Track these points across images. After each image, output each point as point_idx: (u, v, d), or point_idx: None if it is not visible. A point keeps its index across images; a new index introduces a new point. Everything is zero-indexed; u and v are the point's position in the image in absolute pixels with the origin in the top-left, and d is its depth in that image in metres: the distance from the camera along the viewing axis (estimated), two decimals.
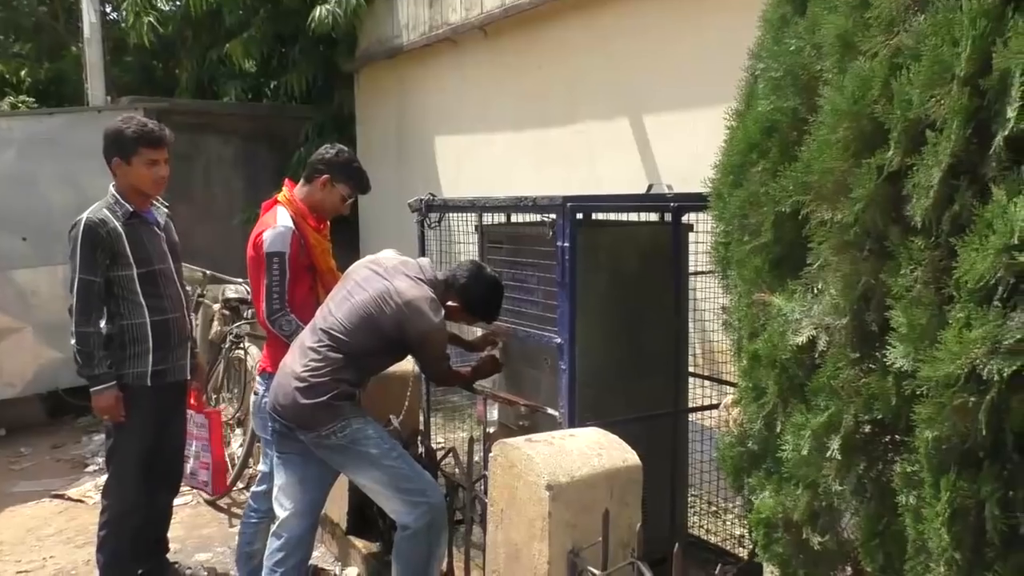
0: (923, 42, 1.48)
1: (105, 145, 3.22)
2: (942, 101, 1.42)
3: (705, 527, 3.95)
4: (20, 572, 3.84)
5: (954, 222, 1.44)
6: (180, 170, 8.77)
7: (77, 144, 6.08)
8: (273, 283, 3.06)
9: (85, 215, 3.16)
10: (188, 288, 5.86)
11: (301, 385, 2.72)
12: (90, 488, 4.80)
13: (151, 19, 8.72)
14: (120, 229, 3.17)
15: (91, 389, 3.14)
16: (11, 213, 5.88)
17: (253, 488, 3.34)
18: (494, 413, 3.43)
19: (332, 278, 3.21)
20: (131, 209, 3.22)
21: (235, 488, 4.52)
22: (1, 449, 5.71)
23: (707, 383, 3.64)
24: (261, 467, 3.30)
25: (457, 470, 3.16)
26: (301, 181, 3.27)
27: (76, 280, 3.12)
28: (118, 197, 3.23)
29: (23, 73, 13.47)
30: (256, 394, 3.30)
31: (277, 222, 3.11)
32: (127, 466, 3.28)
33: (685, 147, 4.37)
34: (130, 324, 3.22)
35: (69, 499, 4.71)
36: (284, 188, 3.28)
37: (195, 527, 4.25)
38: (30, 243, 5.94)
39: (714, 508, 4.12)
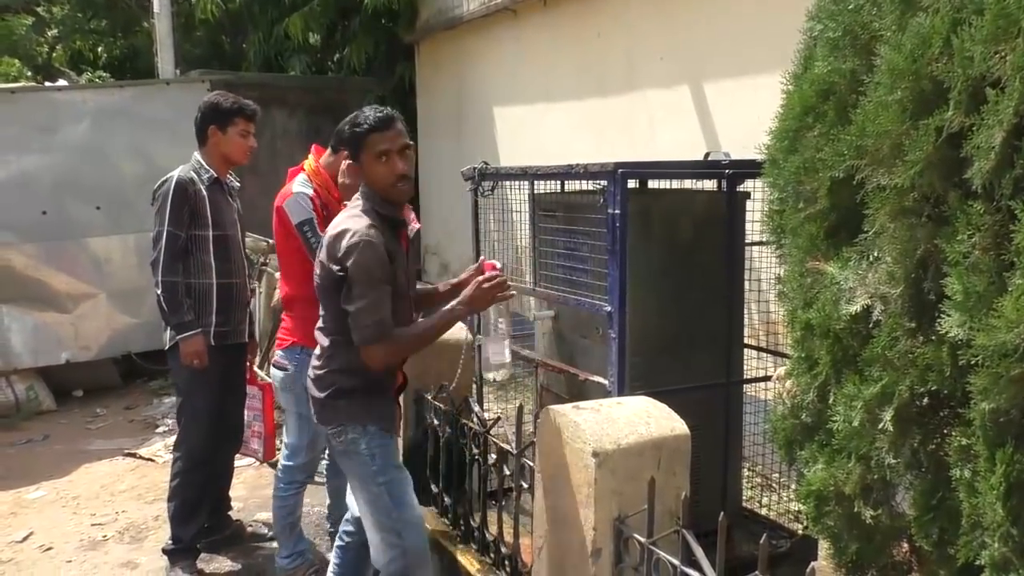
0: None
1: (202, 114, 3.40)
2: (1006, 57, 1.35)
3: (762, 502, 3.91)
4: (94, 524, 4.04)
5: (1016, 185, 1.37)
6: None
7: (147, 115, 6.27)
8: (314, 251, 2.90)
9: (176, 173, 3.34)
10: (252, 257, 6.06)
11: (312, 376, 2.55)
12: (160, 448, 5.00)
13: None
14: (204, 192, 3.35)
15: (179, 336, 3.30)
16: (86, 183, 6.10)
17: (282, 462, 3.31)
18: (500, 352, 2.71)
19: None
20: (215, 175, 3.41)
21: None
22: (78, 409, 6.00)
23: (765, 355, 3.58)
24: (287, 439, 3.29)
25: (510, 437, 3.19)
26: (328, 149, 3.24)
27: (164, 233, 3.27)
28: (203, 163, 3.41)
29: (99, 49, 13.93)
30: (286, 371, 3.18)
31: (293, 188, 3.12)
32: (196, 421, 3.44)
33: (746, 114, 4.27)
34: (198, 283, 3.37)
35: (140, 458, 4.92)
36: (311, 155, 3.25)
37: (257, 487, 4.40)
38: (103, 212, 6.15)
39: (771, 483, 4.07)
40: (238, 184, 3.68)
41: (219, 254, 3.40)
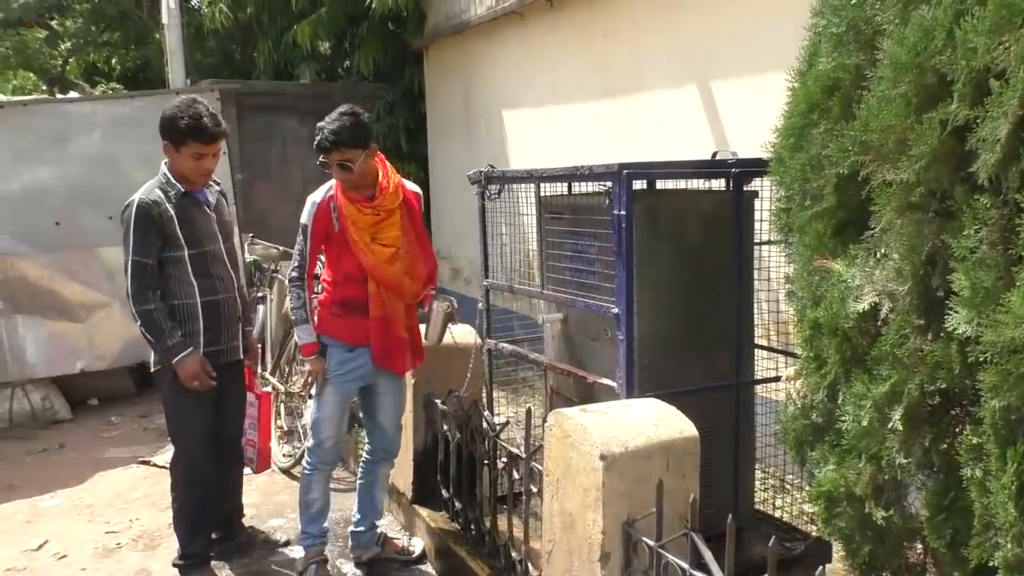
0: None
1: (160, 126, 3.24)
2: (1010, 48, 1.33)
3: (776, 504, 3.87)
4: (108, 532, 4.05)
5: (1023, 178, 1.35)
6: (258, 150, 9.06)
7: (158, 125, 6.29)
8: (295, 251, 3.17)
9: (137, 197, 3.16)
10: (264, 265, 6.04)
11: None
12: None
13: (223, 5, 8.93)
14: (172, 211, 3.17)
15: (172, 361, 3.14)
16: (98, 193, 6.11)
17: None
18: None
19: (365, 250, 3.09)
20: (182, 189, 3.22)
21: None
22: (93, 418, 6.03)
23: (776, 355, 3.54)
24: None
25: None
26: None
27: (130, 262, 3.11)
28: (170, 177, 3.24)
29: (113, 61, 14.07)
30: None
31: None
32: (188, 442, 3.33)
33: (754, 113, 4.23)
34: (182, 304, 3.22)
35: (155, 465, 4.93)
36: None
37: (270, 494, 4.40)
38: (116, 221, 6.15)
39: (786, 485, 4.03)
40: (219, 187, 3.48)
41: (199, 272, 3.24)
